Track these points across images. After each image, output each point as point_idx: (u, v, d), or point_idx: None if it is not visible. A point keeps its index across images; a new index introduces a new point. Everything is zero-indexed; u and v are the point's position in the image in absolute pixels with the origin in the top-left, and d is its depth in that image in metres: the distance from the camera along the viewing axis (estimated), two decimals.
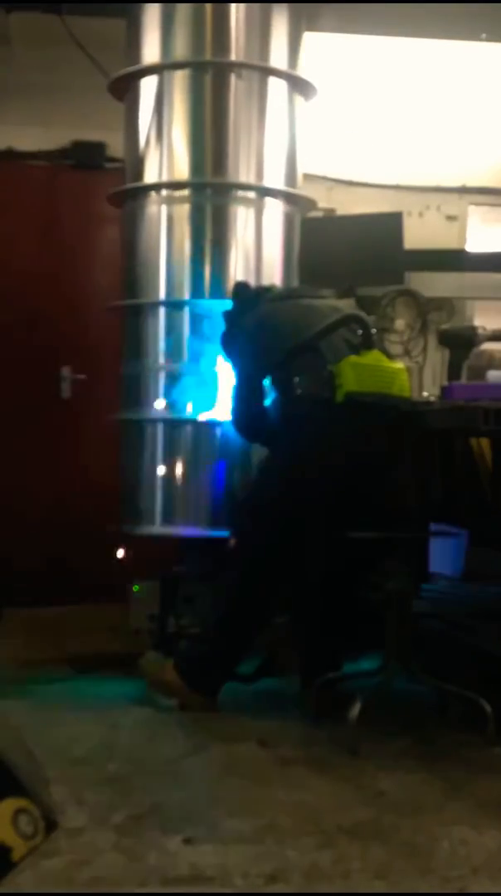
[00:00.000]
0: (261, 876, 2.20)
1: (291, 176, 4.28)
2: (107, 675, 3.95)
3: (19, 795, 2.21)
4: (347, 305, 3.87)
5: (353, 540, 3.27)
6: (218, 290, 4.05)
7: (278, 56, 4.20)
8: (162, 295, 4.15)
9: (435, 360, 5.18)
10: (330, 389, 3.39)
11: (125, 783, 2.77)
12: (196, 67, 4.12)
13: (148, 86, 4.19)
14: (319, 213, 5.12)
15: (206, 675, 3.51)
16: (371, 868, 2.25)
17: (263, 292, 3.82)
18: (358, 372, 3.39)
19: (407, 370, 4.02)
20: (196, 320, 4.09)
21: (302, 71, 4.30)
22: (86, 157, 5.45)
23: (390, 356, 3.70)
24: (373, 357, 3.52)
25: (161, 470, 4.08)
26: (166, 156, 4.15)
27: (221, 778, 2.84)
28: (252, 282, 3.98)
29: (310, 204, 4.46)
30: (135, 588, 4.21)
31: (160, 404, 4.10)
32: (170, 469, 4.09)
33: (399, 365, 3.64)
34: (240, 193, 4.14)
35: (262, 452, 3.80)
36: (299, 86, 4.29)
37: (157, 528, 4.10)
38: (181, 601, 4.03)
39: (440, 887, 2.16)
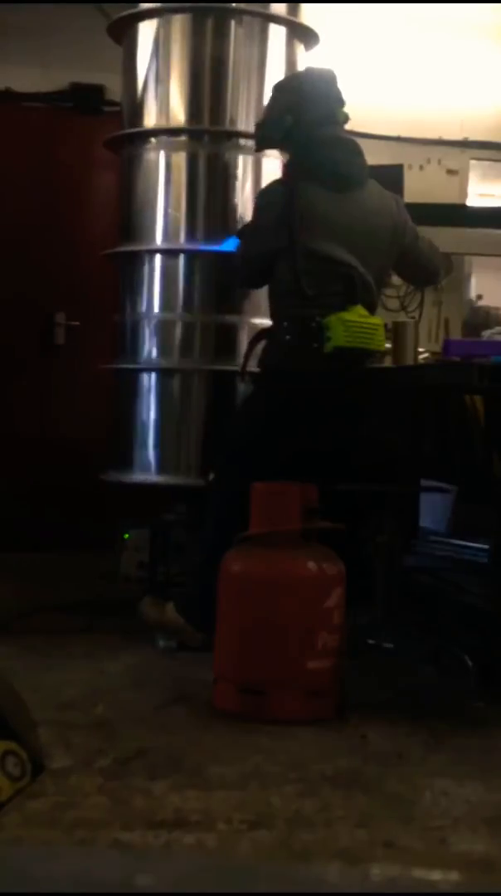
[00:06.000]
0: (245, 821, 2.23)
1: None
2: (97, 621, 3.97)
3: (7, 738, 2.23)
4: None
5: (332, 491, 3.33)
6: (215, 238, 4.02)
7: (280, 2, 4.14)
8: (159, 242, 4.12)
9: (431, 315, 5.17)
10: (318, 340, 3.49)
11: (112, 728, 2.80)
12: (196, 11, 4.05)
13: (147, 29, 4.13)
14: None
15: (203, 610, 3.57)
16: (353, 816, 2.28)
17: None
18: (347, 328, 3.50)
19: (403, 325, 4.02)
20: (192, 267, 4.08)
21: (304, 18, 4.24)
22: (85, 100, 5.38)
23: (373, 311, 3.72)
24: (357, 313, 3.58)
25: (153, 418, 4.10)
26: (164, 101, 4.11)
27: (207, 725, 2.87)
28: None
29: None
30: (126, 536, 4.23)
31: None
32: (163, 417, 4.09)
33: (377, 320, 3.67)
34: (238, 141, 4.10)
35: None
36: (300, 33, 4.23)
37: (150, 476, 4.11)
38: (172, 549, 4.05)
39: (420, 836, 2.19)
